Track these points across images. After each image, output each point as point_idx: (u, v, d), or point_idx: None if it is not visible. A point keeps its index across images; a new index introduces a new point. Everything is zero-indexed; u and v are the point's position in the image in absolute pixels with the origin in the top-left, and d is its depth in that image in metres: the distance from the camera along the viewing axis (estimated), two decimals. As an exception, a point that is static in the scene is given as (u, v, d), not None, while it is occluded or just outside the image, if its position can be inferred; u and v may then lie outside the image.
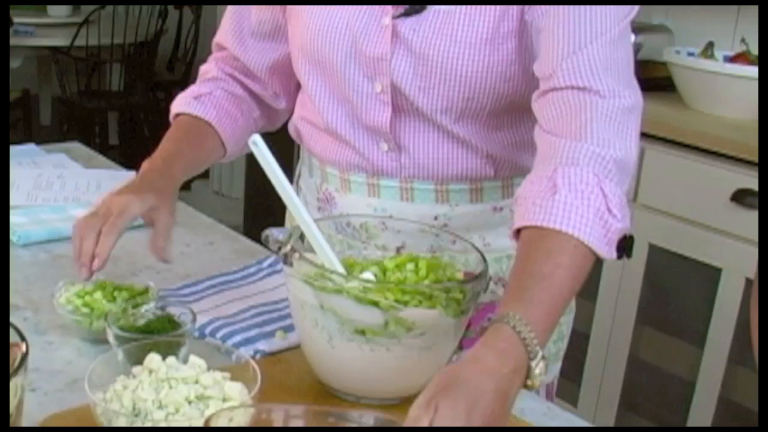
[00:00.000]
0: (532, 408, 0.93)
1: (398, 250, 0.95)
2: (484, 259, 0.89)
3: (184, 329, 0.92)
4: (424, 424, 0.68)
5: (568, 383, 2.38)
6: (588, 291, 2.31)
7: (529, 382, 0.75)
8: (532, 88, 0.97)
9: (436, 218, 1.08)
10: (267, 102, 1.24)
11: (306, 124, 1.15)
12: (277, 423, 0.71)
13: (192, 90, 1.20)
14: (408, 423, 0.69)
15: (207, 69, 1.23)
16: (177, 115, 1.19)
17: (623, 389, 2.33)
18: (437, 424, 0.68)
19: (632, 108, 0.90)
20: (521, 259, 0.83)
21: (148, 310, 0.98)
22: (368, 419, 0.71)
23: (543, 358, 0.75)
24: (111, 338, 0.90)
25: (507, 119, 1.06)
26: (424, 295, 0.81)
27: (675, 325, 2.22)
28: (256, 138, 0.87)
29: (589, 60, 0.90)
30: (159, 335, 0.90)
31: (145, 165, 1.12)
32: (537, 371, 0.75)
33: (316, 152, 1.14)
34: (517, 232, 0.86)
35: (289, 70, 1.16)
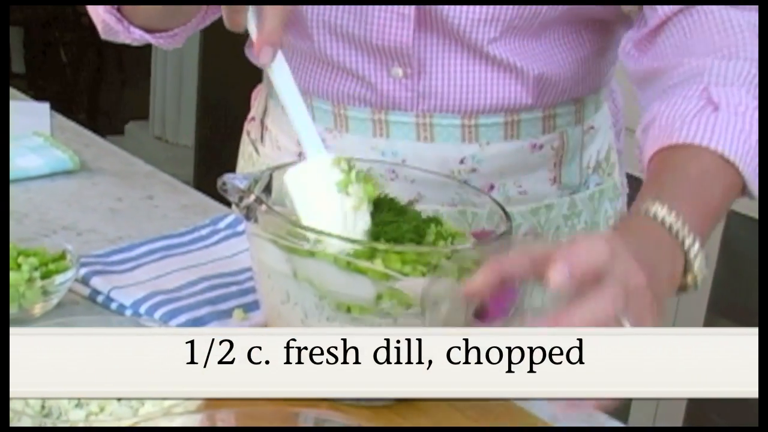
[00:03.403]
0: (568, 414, 0.93)
1: (411, 203, 0.97)
2: (508, 217, 0.89)
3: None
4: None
5: (618, 391, 2.40)
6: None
7: (689, 278, 0.82)
8: None
9: (462, 161, 1.09)
10: None
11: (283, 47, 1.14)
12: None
13: None
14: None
15: None
16: None
17: (689, 402, 2.35)
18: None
19: None
20: (654, 172, 0.90)
21: (64, 282, 0.99)
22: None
23: (701, 246, 0.82)
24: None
25: (562, 32, 1.08)
26: (429, 266, 0.82)
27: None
28: None
29: None
30: None
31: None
32: (697, 262, 0.82)
33: (298, 81, 1.13)
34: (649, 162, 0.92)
35: None
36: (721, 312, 2.30)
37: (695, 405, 2.34)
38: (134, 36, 1.13)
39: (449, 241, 0.89)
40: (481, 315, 1.04)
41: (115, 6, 1.11)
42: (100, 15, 1.13)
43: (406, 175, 1.02)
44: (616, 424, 0.95)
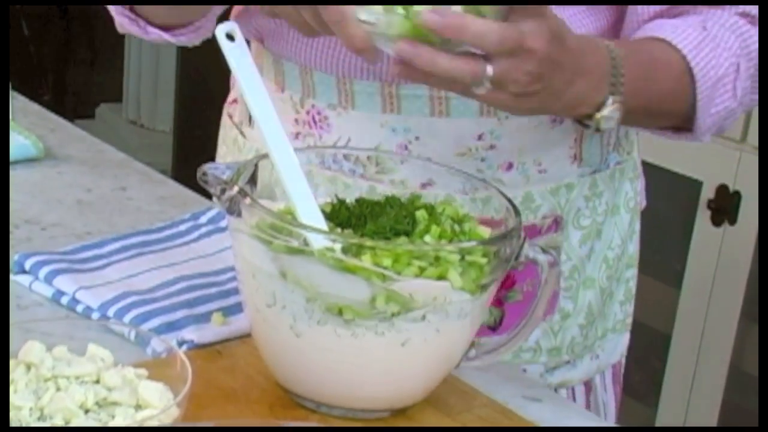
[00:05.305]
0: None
1: (424, 187, 0.98)
2: (516, 212, 0.90)
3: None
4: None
5: (641, 405, 2.40)
6: (669, 272, 2.32)
7: (598, 115, 0.99)
8: None
9: (480, 137, 1.10)
10: None
11: (274, 20, 1.15)
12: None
13: None
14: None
15: None
16: None
17: (722, 414, 2.35)
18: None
19: None
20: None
21: None
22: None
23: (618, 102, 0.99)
24: None
25: (572, 7, 1.10)
26: (427, 258, 0.82)
27: (797, 324, 2.24)
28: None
29: None
30: None
31: None
32: (612, 102, 0.99)
33: (294, 55, 1.15)
34: None
35: None
36: (755, 317, 2.30)
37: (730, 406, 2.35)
38: (152, 36, 1.16)
39: (449, 225, 0.90)
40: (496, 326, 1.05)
41: (128, 7, 1.14)
42: (114, 15, 1.17)
43: (421, 152, 1.04)
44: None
